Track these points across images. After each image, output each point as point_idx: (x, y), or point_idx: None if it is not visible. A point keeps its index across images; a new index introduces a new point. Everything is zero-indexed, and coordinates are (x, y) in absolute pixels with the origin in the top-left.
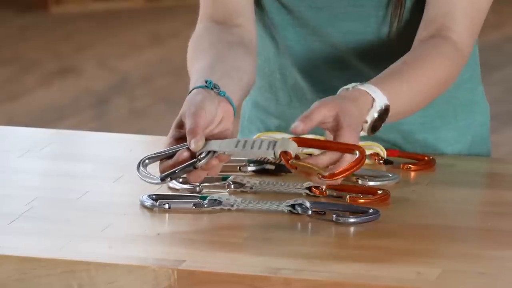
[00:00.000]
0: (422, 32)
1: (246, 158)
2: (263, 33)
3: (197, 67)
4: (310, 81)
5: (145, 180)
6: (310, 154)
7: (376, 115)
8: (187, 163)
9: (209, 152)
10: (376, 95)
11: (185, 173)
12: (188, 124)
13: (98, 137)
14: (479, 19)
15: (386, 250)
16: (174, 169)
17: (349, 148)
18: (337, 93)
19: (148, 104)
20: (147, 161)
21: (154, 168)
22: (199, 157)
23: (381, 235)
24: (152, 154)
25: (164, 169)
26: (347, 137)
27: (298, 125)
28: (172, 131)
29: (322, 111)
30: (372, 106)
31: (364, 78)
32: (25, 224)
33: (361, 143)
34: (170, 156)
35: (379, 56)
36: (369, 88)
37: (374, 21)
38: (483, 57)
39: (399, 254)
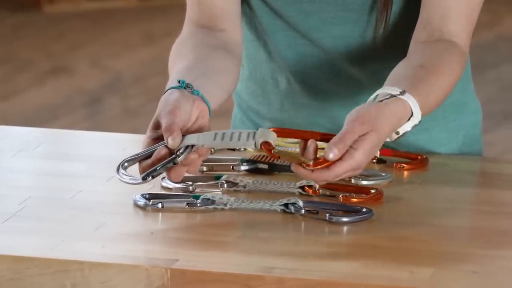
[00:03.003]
0: (420, 33)
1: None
2: (254, 38)
3: (175, 69)
4: (302, 85)
5: (126, 182)
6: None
7: (409, 128)
8: (166, 160)
9: (187, 146)
10: (415, 110)
11: (165, 170)
12: (164, 123)
13: (91, 136)
14: (474, 18)
15: (379, 249)
16: (154, 167)
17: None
18: (377, 97)
19: (141, 103)
20: (126, 164)
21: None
22: (177, 152)
23: (374, 234)
24: (130, 157)
25: (144, 169)
26: (359, 155)
27: (331, 152)
28: (149, 132)
29: (356, 131)
30: (409, 120)
31: (355, 82)
32: (18, 224)
33: None
34: (149, 156)
35: (369, 59)
36: (411, 101)
37: (361, 26)
38: (477, 56)
39: (392, 253)
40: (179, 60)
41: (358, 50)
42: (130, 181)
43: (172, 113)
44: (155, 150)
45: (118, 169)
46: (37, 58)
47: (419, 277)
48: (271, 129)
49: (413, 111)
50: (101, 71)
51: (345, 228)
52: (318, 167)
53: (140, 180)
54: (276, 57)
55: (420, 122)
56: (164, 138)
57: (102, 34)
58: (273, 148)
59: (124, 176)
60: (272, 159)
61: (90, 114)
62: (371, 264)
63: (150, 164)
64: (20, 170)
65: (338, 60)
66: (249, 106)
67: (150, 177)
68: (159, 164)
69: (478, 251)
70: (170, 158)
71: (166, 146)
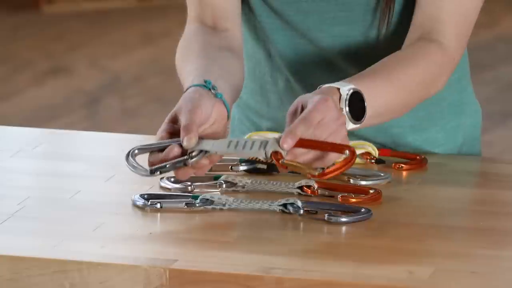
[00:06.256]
0: (410, 35)
1: (238, 158)
2: (253, 36)
3: (191, 68)
4: (301, 84)
5: (133, 171)
6: None
7: (347, 102)
8: (178, 159)
9: (201, 151)
10: (340, 85)
11: (174, 168)
12: (183, 120)
13: (90, 136)
14: (467, 23)
15: (378, 249)
16: (164, 164)
17: (339, 148)
18: None
19: (140, 104)
20: (136, 151)
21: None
22: (190, 154)
23: (373, 235)
24: (142, 145)
25: (153, 161)
26: (318, 103)
27: (286, 143)
28: (165, 124)
29: (290, 112)
30: (340, 95)
31: None
32: (17, 224)
33: (353, 142)
34: (160, 149)
35: (368, 59)
36: (334, 84)
37: (362, 25)
38: (475, 57)
39: (391, 253)
40: (191, 59)
41: (357, 50)
42: (137, 172)
43: (192, 112)
44: (168, 145)
45: (127, 156)
46: (36, 58)
47: (418, 277)
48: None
49: (338, 87)
50: (100, 71)
51: (343, 228)
52: (325, 177)
53: (148, 174)
54: (275, 56)
55: (352, 93)
56: (181, 136)
57: (101, 34)
58: (282, 158)
59: (132, 165)
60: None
61: (89, 114)
62: (370, 264)
63: (160, 159)
64: (19, 170)
65: (337, 60)
66: (247, 105)
67: (158, 172)
68: (169, 162)
69: (478, 251)
70: (182, 159)
71: (179, 145)
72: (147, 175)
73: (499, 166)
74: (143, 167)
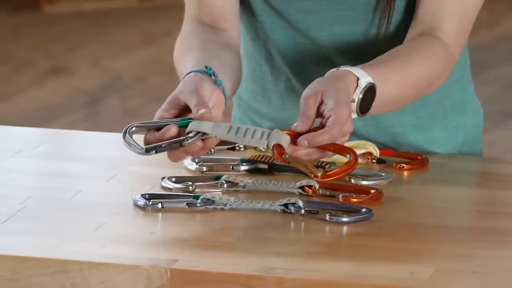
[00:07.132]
0: (411, 31)
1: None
2: (253, 36)
3: (190, 58)
4: (302, 83)
5: (129, 148)
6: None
7: (361, 96)
8: (175, 139)
9: (198, 132)
10: (360, 74)
11: (170, 149)
12: (193, 100)
13: (91, 136)
14: (467, 20)
15: (379, 249)
16: (160, 143)
17: (342, 151)
18: (325, 75)
19: (141, 104)
20: (134, 128)
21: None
22: (187, 136)
23: (374, 234)
24: (140, 123)
25: (149, 140)
26: (339, 112)
27: (298, 125)
28: (165, 105)
29: (310, 102)
30: (357, 85)
31: None
32: (18, 224)
33: (354, 143)
34: (158, 128)
35: (369, 58)
36: (353, 69)
37: (363, 24)
38: (477, 56)
39: (392, 253)
40: (191, 53)
41: (358, 48)
42: (133, 149)
43: (196, 93)
44: (166, 124)
45: (124, 133)
46: (36, 58)
47: (418, 277)
48: (285, 132)
49: (358, 77)
50: (101, 71)
51: (345, 228)
52: (327, 179)
53: (143, 152)
54: (276, 55)
55: (369, 87)
56: (194, 111)
57: (101, 34)
58: (285, 152)
59: (128, 142)
60: (272, 159)
61: (90, 114)
62: (370, 264)
63: (156, 138)
64: (20, 170)
65: (337, 59)
66: (249, 105)
67: (154, 151)
68: (166, 142)
69: (478, 251)
70: (178, 139)
71: (176, 126)
72: (142, 153)
73: (500, 166)
74: (138, 145)
